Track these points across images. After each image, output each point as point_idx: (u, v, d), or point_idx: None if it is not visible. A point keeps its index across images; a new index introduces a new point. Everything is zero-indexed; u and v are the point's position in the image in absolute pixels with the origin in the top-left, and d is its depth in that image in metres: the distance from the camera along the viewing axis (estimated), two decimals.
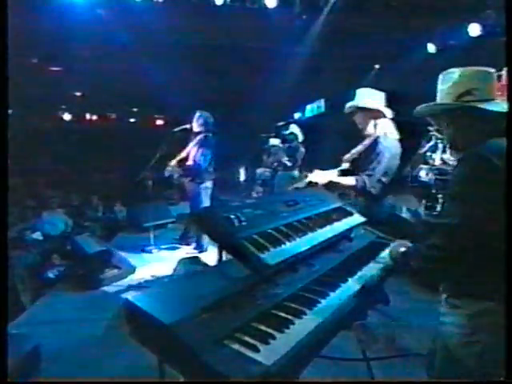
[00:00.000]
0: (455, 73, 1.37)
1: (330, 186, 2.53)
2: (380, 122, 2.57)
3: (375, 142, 2.55)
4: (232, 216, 1.40)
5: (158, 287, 1.32)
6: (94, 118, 12.90)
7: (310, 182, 2.59)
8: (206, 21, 6.53)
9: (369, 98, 2.58)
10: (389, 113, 2.58)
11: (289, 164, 5.32)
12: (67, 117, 12.27)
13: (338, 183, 2.55)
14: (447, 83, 1.38)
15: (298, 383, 1.21)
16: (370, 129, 2.60)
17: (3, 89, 1.50)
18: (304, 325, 1.17)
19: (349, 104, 2.66)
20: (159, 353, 1.11)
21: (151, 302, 1.13)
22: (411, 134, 6.28)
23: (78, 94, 10.94)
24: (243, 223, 1.41)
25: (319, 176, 2.58)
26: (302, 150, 5.47)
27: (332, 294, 1.38)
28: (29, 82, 8.01)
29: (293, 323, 1.16)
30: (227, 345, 1.03)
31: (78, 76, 8.67)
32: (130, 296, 1.15)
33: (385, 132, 2.57)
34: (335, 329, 1.25)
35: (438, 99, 1.42)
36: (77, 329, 2.76)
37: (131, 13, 6.20)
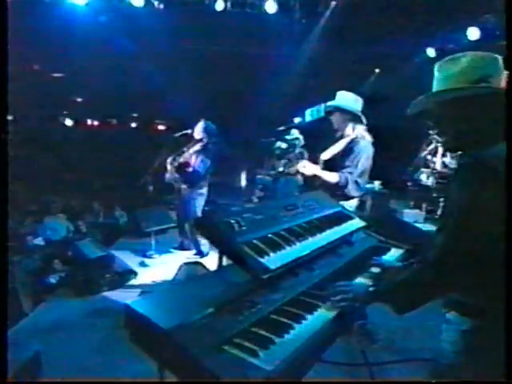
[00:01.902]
0: (465, 56, 1.16)
1: (314, 179, 2.68)
2: (357, 125, 2.71)
3: (353, 142, 2.68)
4: (232, 221, 1.41)
5: (158, 292, 1.32)
6: (96, 123, 12.94)
7: (298, 171, 2.81)
8: (207, 26, 6.58)
9: (349, 101, 2.70)
10: (364, 118, 2.72)
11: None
12: (69, 122, 12.32)
13: (321, 177, 2.66)
14: (455, 68, 1.16)
15: (297, 383, 1.20)
16: (347, 130, 2.73)
17: (3, 94, 1.51)
18: (304, 330, 1.17)
19: (329, 103, 2.77)
20: (159, 358, 1.11)
21: (151, 307, 1.13)
22: (410, 137, 6.34)
23: (80, 99, 11.00)
24: (243, 228, 1.41)
25: (306, 167, 2.71)
26: (306, 154, 5.50)
27: (332, 299, 1.38)
28: (31, 88, 8.05)
29: (292, 328, 1.16)
30: (227, 350, 1.03)
31: (79, 82, 8.72)
32: (129, 301, 1.15)
33: (362, 134, 2.71)
34: (335, 333, 1.25)
35: (440, 87, 1.19)
36: (78, 334, 2.75)
37: (133, 19, 6.25)
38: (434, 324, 1.37)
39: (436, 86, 1.22)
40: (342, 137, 2.75)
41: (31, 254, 4.38)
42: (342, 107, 2.69)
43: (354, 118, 2.69)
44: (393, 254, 1.99)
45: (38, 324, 2.91)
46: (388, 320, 2.73)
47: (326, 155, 2.79)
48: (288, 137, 5.01)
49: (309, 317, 1.23)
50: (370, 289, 1.33)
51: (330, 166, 2.72)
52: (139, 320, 1.10)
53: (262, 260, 1.30)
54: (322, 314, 1.27)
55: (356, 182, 2.65)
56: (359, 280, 1.61)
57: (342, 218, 1.99)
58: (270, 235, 1.48)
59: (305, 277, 1.50)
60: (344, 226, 1.91)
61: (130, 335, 1.16)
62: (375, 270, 1.66)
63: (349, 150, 2.67)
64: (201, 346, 1.00)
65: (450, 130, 1.23)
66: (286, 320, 1.19)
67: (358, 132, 2.70)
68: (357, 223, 2.03)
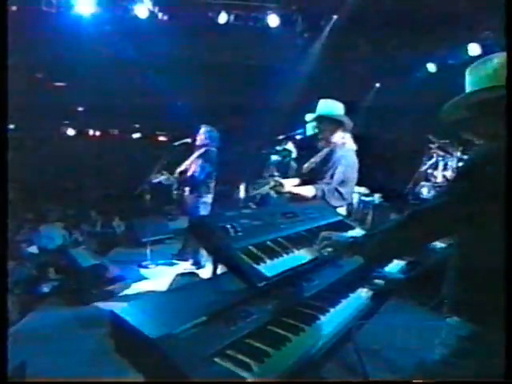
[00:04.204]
0: (497, 57, 1.15)
1: (291, 194, 2.58)
2: (339, 132, 2.64)
3: (332, 151, 2.60)
4: (228, 226, 1.34)
5: (146, 299, 1.25)
6: (97, 133, 12.98)
7: (272, 188, 2.65)
8: (210, 39, 6.63)
9: (331, 108, 2.65)
10: (349, 124, 2.65)
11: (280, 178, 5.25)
12: (71, 132, 12.35)
13: (298, 193, 2.56)
14: (487, 69, 1.14)
15: (297, 383, 1.11)
16: (330, 138, 2.66)
17: (3, 102, 1.47)
18: (302, 342, 1.09)
19: (313, 112, 2.70)
20: (145, 370, 1.03)
21: (138, 315, 1.05)
22: (411, 151, 6.32)
23: (81, 109, 11.05)
24: (239, 234, 1.35)
25: (280, 185, 2.60)
26: (294, 165, 5.46)
27: (332, 310, 1.31)
28: (33, 96, 8.08)
29: (290, 340, 1.09)
30: (218, 362, 0.95)
31: (81, 91, 8.76)
32: (115, 308, 1.08)
33: (343, 142, 2.63)
34: (335, 346, 1.17)
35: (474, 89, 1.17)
36: (66, 346, 2.64)
37: (136, 30, 6.30)
38: (433, 324, 1.33)
39: (469, 89, 1.20)
40: (327, 145, 2.69)
41: (25, 262, 4.29)
42: (323, 115, 2.64)
43: (337, 126, 2.63)
44: (395, 266, 1.94)
45: (26, 333, 2.81)
46: (387, 319, 2.67)
47: (306, 167, 2.75)
48: (278, 148, 4.99)
49: (307, 328, 1.16)
50: (350, 240, 1.43)
51: (310, 177, 2.65)
52: (125, 328, 1.02)
53: (258, 267, 1.23)
54: (321, 326, 1.19)
55: (337, 191, 2.55)
56: (361, 291, 1.54)
57: (342, 227, 1.92)
58: (267, 242, 1.42)
59: (303, 287, 1.43)
60: (342, 235, 1.83)
61: (115, 345, 1.08)
62: (378, 281, 1.59)
63: (327, 159, 2.60)
64: (190, 357, 0.92)
65: (487, 131, 1.19)
66: (282, 331, 1.12)
67: (339, 140, 2.63)
68: (358, 233, 1.97)
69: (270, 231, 1.50)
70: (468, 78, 1.21)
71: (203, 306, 1.12)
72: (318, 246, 1.48)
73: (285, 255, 1.39)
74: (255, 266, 1.23)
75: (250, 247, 1.31)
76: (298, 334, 1.12)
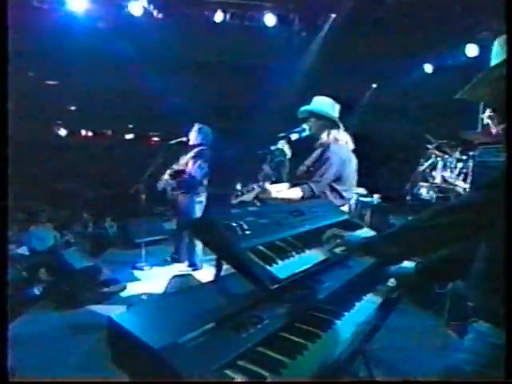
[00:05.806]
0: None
1: (279, 200, 2.47)
2: (333, 131, 2.56)
3: (324, 150, 2.52)
4: (234, 224, 1.24)
5: (147, 305, 1.14)
6: (90, 134, 12.78)
7: (257, 196, 2.51)
8: (205, 38, 6.55)
9: (325, 105, 2.56)
10: (341, 125, 2.58)
11: (272, 178, 5.16)
12: (63, 132, 12.15)
13: (284, 198, 2.46)
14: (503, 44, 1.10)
15: (298, 383, 1.02)
16: (322, 136, 2.58)
17: (3, 103, 1.40)
18: (319, 350, 1.00)
19: (304, 108, 2.62)
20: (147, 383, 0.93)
21: (138, 322, 0.95)
22: (408, 151, 6.29)
23: (73, 108, 10.87)
24: (246, 232, 1.24)
25: (266, 191, 2.50)
26: (287, 166, 5.37)
27: (347, 314, 1.22)
28: (25, 95, 7.90)
29: (306, 348, 0.99)
30: (229, 374, 0.85)
31: (73, 90, 8.60)
32: (114, 314, 0.97)
33: (335, 138, 2.55)
34: (354, 353, 1.07)
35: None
36: (57, 351, 2.52)
37: (130, 28, 6.18)
38: (434, 324, 1.26)
39: (495, 61, 1.12)
40: (319, 145, 2.61)
41: (14, 263, 4.15)
42: (316, 112, 2.55)
43: (330, 124, 2.55)
44: (404, 267, 1.86)
45: (16, 337, 2.67)
46: (388, 320, 2.61)
47: (299, 170, 2.67)
48: (272, 147, 4.92)
49: (323, 335, 1.06)
50: (363, 240, 1.39)
51: (304, 179, 2.55)
52: (124, 337, 0.92)
53: (270, 268, 1.13)
54: (338, 332, 1.10)
55: (333, 189, 2.47)
56: (373, 294, 1.46)
57: (351, 226, 1.84)
58: (276, 241, 1.32)
59: (314, 289, 1.33)
60: (355, 235, 1.75)
61: (112, 355, 0.98)
62: (391, 283, 1.51)
63: (319, 157, 2.53)
64: (198, 369, 0.82)
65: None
66: (297, 338, 1.02)
67: (331, 138, 2.55)
68: (366, 232, 1.89)
69: (278, 230, 1.40)
70: (496, 49, 1.13)
71: (210, 311, 1.02)
72: (329, 244, 1.40)
73: (296, 255, 1.30)
74: (267, 267, 1.13)
75: (260, 247, 1.21)
76: (315, 341, 1.02)
